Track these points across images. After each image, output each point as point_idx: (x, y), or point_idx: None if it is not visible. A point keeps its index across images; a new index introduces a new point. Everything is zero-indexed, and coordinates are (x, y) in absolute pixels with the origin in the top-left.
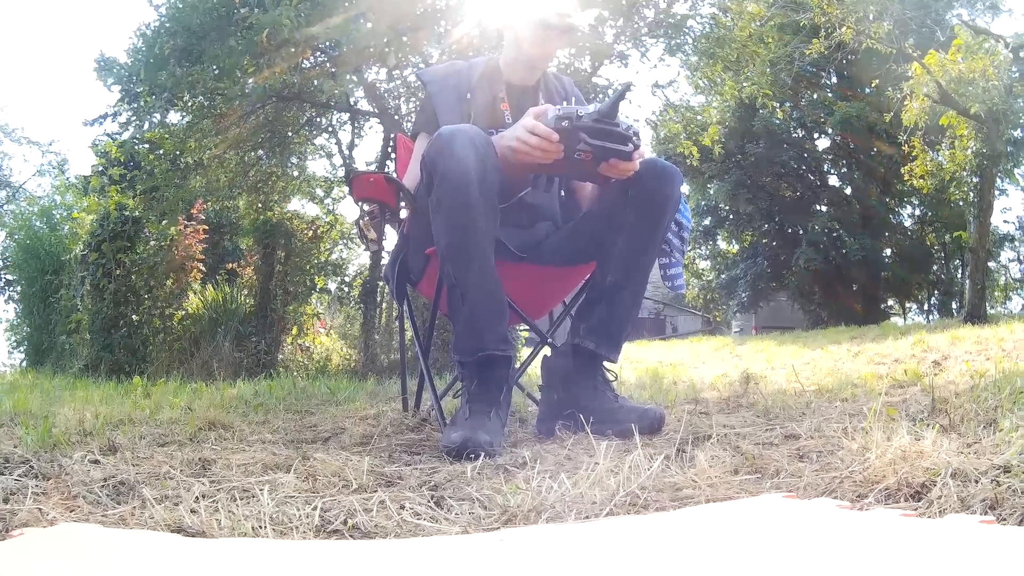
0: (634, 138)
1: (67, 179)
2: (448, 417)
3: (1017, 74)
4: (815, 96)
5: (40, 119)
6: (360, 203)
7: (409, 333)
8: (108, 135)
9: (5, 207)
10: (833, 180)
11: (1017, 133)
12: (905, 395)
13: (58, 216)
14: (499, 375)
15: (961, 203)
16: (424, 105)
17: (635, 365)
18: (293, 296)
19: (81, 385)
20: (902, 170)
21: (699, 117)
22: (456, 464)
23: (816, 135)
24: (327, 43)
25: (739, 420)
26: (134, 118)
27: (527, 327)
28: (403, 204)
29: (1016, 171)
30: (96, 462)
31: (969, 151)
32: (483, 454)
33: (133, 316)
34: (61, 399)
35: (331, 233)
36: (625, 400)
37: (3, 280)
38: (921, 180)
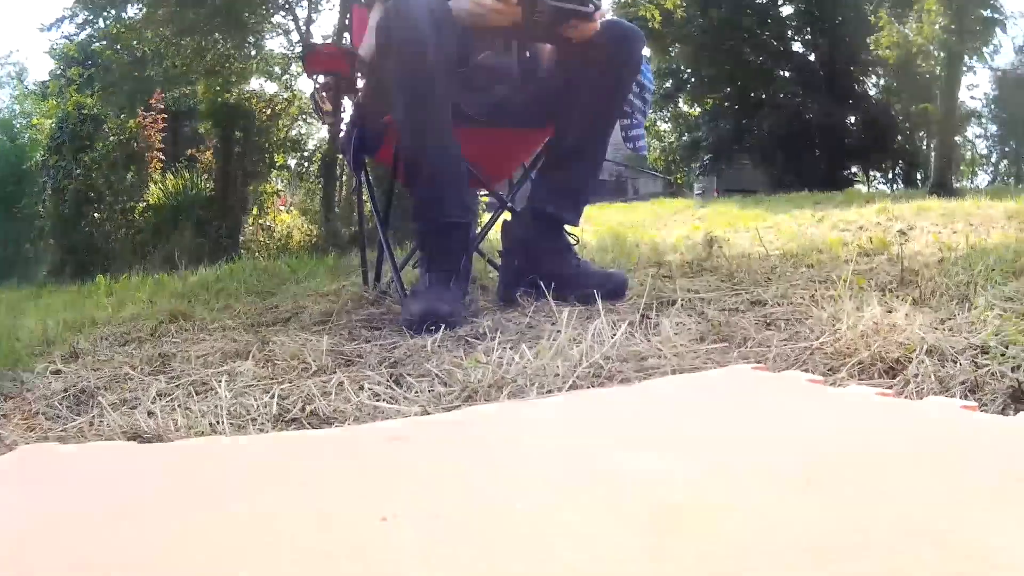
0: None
1: (26, 87)
2: (408, 288)
3: None
4: None
5: None
6: (314, 76)
7: (368, 205)
8: (65, 37)
9: None
10: (797, 47)
11: (987, 13)
12: (872, 264)
13: (18, 126)
14: (459, 243)
15: (928, 76)
16: None
17: (597, 227)
18: (253, 175)
19: (46, 292)
20: (868, 39)
21: None
22: (416, 338)
23: (780, 1)
24: None
25: (703, 285)
26: (91, 16)
27: (487, 192)
28: (358, 74)
29: (984, 50)
30: (58, 372)
31: (937, 26)
32: (443, 325)
33: (95, 215)
34: (25, 310)
35: (290, 109)
36: (588, 264)
37: None
38: (887, 51)
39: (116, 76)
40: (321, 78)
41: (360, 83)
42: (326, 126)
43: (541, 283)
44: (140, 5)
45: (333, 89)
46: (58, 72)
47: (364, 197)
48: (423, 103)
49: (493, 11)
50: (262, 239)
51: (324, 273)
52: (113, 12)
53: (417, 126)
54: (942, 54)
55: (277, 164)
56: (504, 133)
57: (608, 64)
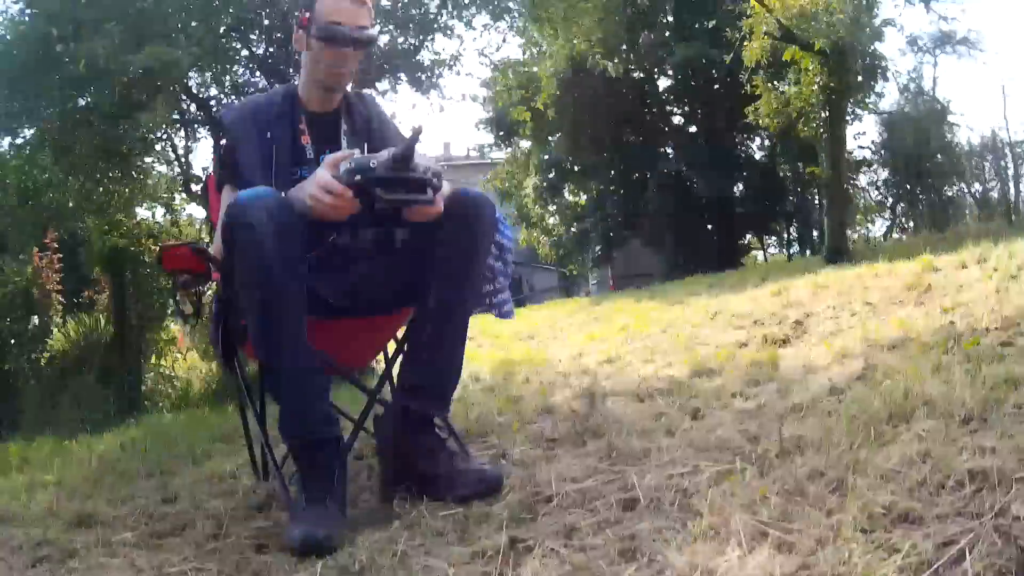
0: (433, 181)
1: None
2: (292, 489)
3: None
4: (652, 36)
5: None
6: (172, 274)
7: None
8: None
9: None
10: (677, 120)
11: (866, 61)
12: (760, 400)
13: None
14: (329, 459)
15: (812, 137)
16: (226, 152)
17: (492, 343)
18: (148, 320)
19: None
20: (746, 110)
21: (533, 69)
22: (299, 566)
23: (656, 75)
24: (144, 69)
25: (582, 466)
26: None
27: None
28: (214, 270)
29: (868, 100)
30: None
31: (815, 86)
32: (325, 556)
33: (5, 366)
34: None
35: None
36: (461, 459)
37: None
38: (767, 119)
39: (9, 219)
40: (181, 275)
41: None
42: (188, 325)
43: (415, 487)
44: (25, 145)
45: (192, 285)
46: None
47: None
48: (272, 319)
49: (332, 208)
50: (164, 387)
51: (222, 446)
52: (8, 139)
53: (269, 342)
54: (824, 114)
55: (170, 310)
56: (364, 322)
57: (458, 241)
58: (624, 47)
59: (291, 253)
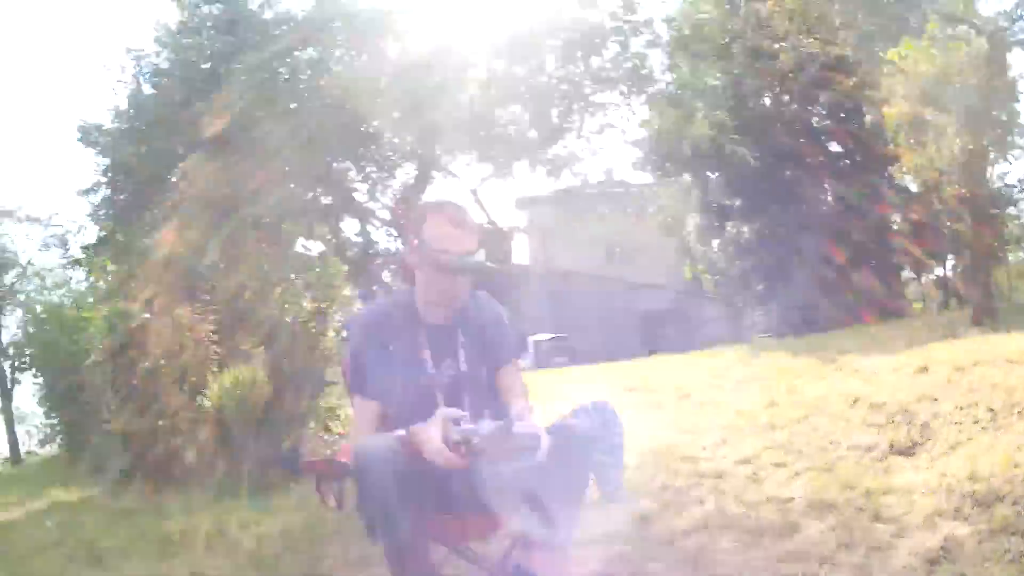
0: (531, 443)
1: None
2: None
3: (995, 64)
4: (802, 77)
5: (33, 191)
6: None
7: None
8: (103, 201)
9: (17, 285)
10: (832, 156)
11: (1003, 116)
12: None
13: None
14: None
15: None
16: (353, 362)
17: (650, 400)
18: (304, 389)
19: (111, 532)
20: (890, 169)
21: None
22: None
23: (810, 112)
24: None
25: None
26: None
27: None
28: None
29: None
30: None
31: (955, 148)
32: None
33: (159, 422)
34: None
35: (333, 307)
36: None
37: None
38: (910, 178)
39: (156, 286)
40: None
41: None
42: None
43: None
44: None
45: (330, 481)
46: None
47: None
48: (396, 552)
49: (443, 465)
50: (323, 454)
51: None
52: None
53: (398, 567)
54: (965, 176)
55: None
56: (488, 518)
57: (561, 475)
58: (778, 85)
59: (412, 499)
